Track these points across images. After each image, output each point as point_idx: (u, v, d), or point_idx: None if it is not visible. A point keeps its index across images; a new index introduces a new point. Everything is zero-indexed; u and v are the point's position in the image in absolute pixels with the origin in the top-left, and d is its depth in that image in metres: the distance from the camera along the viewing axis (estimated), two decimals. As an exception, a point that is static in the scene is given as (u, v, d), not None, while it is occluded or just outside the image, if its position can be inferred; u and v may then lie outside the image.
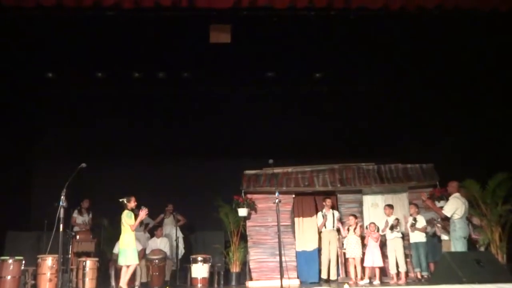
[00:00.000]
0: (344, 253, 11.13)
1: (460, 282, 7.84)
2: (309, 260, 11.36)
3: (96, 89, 13.59)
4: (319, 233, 11.39)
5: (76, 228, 11.72)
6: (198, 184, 13.51)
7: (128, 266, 9.32)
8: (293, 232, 11.52)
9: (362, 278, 10.62)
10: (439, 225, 10.46)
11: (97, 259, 10.56)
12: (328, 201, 11.31)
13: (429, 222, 10.65)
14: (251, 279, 11.22)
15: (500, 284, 7.65)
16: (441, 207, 9.91)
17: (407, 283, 10.36)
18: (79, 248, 11.12)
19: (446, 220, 9.81)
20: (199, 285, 10.88)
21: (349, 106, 14.24)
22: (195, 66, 12.67)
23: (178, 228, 12.11)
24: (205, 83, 13.45)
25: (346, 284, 10.30)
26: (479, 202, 10.26)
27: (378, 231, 10.76)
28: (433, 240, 10.64)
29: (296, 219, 11.71)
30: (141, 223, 12.41)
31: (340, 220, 11.28)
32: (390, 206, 10.95)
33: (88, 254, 11.02)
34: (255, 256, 11.32)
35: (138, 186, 13.17)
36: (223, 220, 11.87)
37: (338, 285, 10.62)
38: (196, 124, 14.17)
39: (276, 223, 9.27)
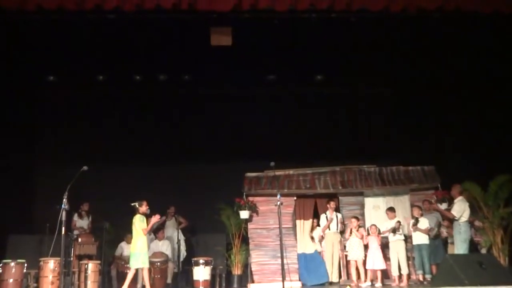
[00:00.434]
0: (346, 255, 11.12)
1: (462, 284, 7.84)
2: (310, 263, 11.35)
3: (98, 92, 13.61)
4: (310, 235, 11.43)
5: (76, 232, 11.71)
6: (200, 186, 13.51)
7: (142, 269, 9.42)
8: (295, 234, 11.51)
9: (364, 281, 10.61)
10: (443, 229, 10.46)
11: (99, 261, 10.55)
12: (333, 204, 11.31)
13: (436, 224, 10.64)
14: (252, 281, 11.21)
15: (502, 286, 7.65)
16: (445, 210, 9.93)
17: (409, 286, 10.37)
18: (81, 251, 11.10)
19: (449, 222, 9.82)
20: (201, 287, 10.87)
21: (350, 108, 14.25)
22: (196, 69, 12.69)
23: (179, 230, 12.10)
24: (206, 85, 13.45)
25: (348, 286, 10.30)
26: (481, 205, 10.25)
27: (379, 233, 10.75)
28: (436, 242, 10.62)
29: (297, 222, 11.70)
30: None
31: (343, 223, 11.29)
32: (392, 210, 10.92)
33: (90, 257, 11.00)
34: (256, 258, 11.31)
35: (140, 189, 13.21)
36: (225, 223, 11.87)
37: (340, 287, 10.62)
38: (197, 127, 14.17)
39: (277, 226, 9.26)
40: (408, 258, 10.72)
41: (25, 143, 13.77)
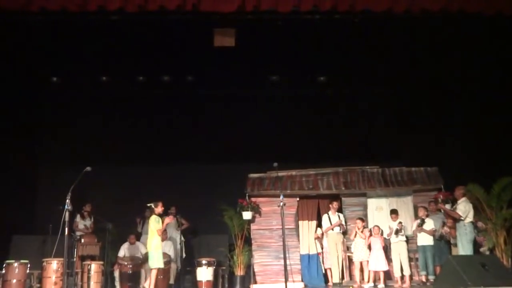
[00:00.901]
0: (349, 256, 11.12)
1: (465, 285, 7.82)
2: (312, 263, 11.35)
3: (101, 93, 13.63)
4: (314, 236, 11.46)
5: (78, 233, 11.72)
6: (203, 187, 13.53)
7: (157, 269, 9.53)
8: (298, 235, 11.51)
9: (367, 282, 10.60)
10: (446, 229, 10.45)
11: (102, 262, 10.57)
12: (335, 204, 11.31)
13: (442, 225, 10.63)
14: (255, 282, 11.21)
15: (505, 287, 7.63)
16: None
17: (411, 287, 10.35)
18: (84, 252, 11.12)
19: (453, 223, 9.82)
20: (204, 288, 10.90)
21: (354, 109, 14.24)
22: (199, 70, 12.70)
23: (181, 231, 12.09)
24: (209, 86, 13.46)
25: (351, 287, 10.30)
26: (484, 206, 10.23)
27: (382, 234, 10.74)
28: (440, 243, 10.61)
29: (300, 222, 11.70)
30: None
31: (345, 223, 11.30)
32: (395, 212, 10.91)
33: (93, 258, 11.03)
34: (259, 259, 11.31)
35: (142, 190, 13.28)
36: (228, 224, 11.87)
37: (343, 288, 10.65)
38: (200, 127, 14.19)
39: (280, 226, 9.25)
40: (410, 259, 10.72)
41: (28, 143, 13.81)
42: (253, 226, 11.49)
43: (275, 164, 9.30)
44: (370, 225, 11.07)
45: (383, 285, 10.39)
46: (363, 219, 11.06)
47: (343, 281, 11.08)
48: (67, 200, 7.80)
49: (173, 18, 10.12)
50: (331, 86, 13.65)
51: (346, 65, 12.40)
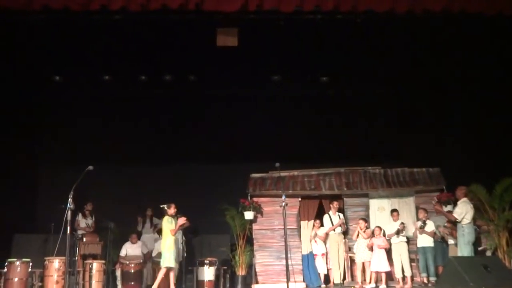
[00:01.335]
0: (350, 257, 11.11)
1: (467, 286, 7.80)
2: (310, 263, 11.35)
3: (103, 92, 13.63)
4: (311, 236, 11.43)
5: (80, 231, 11.73)
6: (204, 187, 13.53)
7: (168, 269, 9.64)
8: (299, 235, 11.51)
9: (369, 282, 10.58)
10: (441, 229, 10.44)
11: (103, 261, 10.59)
12: (336, 204, 11.32)
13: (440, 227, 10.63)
14: (257, 282, 11.22)
15: (507, 289, 7.62)
16: (448, 211, 9.91)
17: (413, 288, 10.36)
18: (85, 251, 11.14)
19: (453, 224, 9.79)
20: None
21: (355, 110, 14.22)
22: (202, 69, 12.69)
23: (182, 231, 12.09)
24: (211, 86, 13.46)
25: (352, 287, 10.30)
26: (486, 207, 10.22)
27: (384, 235, 10.73)
28: (442, 244, 10.60)
29: (302, 223, 11.70)
30: (151, 224, 12.53)
31: (346, 223, 11.30)
32: (396, 211, 10.91)
33: (94, 257, 11.04)
34: (261, 259, 11.32)
35: (143, 189, 13.31)
36: (229, 223, 11.88)
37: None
38: (202, 127, 14.18)
39: (282, 227, 9.28)
40: (411, 260, 10.71)
41: (30, 142, 13.82)
42: (255, 226, 11.50)
43: (277, 164, 9.31)
44: (372, 226, 11.06)
45: (384, 286, 10.38)
46: (366, 219, 11.05)
47: (345, 281, 11.08)
48: (69, 199, 7.80)
49: (175, 18, 10.09)
50: (333, 86, 13.63)
51: (348, 65, 12.38)
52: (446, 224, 10.43)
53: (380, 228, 10.75)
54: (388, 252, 10.70)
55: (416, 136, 13.58)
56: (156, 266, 11.09)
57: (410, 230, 10.90)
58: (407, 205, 11.44)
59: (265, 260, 11.29)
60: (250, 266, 11.65)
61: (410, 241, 10.83)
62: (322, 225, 11.36)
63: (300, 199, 11.62)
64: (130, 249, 11.47)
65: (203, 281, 10.98)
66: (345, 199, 11.62)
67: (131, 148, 13.90)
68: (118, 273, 11.22)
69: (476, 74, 11.91)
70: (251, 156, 13.46)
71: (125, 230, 12.06)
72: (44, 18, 9.88)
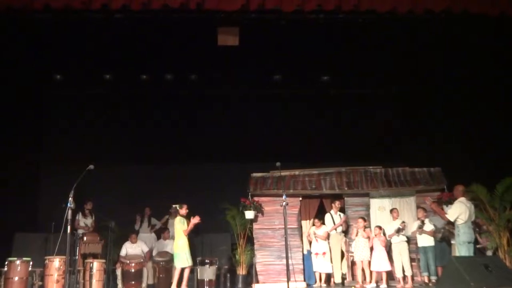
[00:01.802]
0: (351, 256, 11.10)
1: (468, 286, 7.79)
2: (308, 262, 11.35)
3: (104, 91, 13.64)
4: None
5: (80, 231, 11.73)
6: (205, 186, 13.53)
7: (183, 269, 9.77)
8: (300, 235, 11.51)
9: (369, 282, 10.58)
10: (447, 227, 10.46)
11: (104, 260, 10.57)
12: (338, 203, 11.32)
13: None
14: (257, 281, 11.20)
15: (508, 289, 7.61)
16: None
17: (413, 287, 10.34)
18: (86, 250, 11.11)
19: (452, 224, 9.78)
20: (206, 287, 10.88)
21: (356, 109, 14.23)
22: (203, 69, 12.69)
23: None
24: (212, 85, 13.46)
25: (353, 287, 10.29)
26: (487, 207, 10.21)
27: (384, 234, 10.73)
28: (442, 244, 10.59)
29: (303, 222, 11.70)
30: (149, 223, 12.52)
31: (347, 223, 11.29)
32: (396, 210, 10.91)
33: (95, 256, 11.02)
34: (261, 258, 11.30)
35: (144, 188, 13.31)
36: (230, 223, 11.88)
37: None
38: (203, 126, 14.20)
39: (283, 226, 9.26)
40: (412, 260, 10.70)
41: (31, 142, 13.81)
42: (255, 226, 11.49)
43: (278, 164, 9.30)
44: (373, 225, 11.05)
45: (385, 286, 10.36)
46: (365, 218, 11.04)
47: (346, 281, 11.07)
48: (70, 198, 7.80)
49: (176, 17, 10.10)
50: (334, 86, 13.64)
51: (349, 65, 12.39)
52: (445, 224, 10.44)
53: (380, 227, 10.74)
54: (389, 251, 10.70)
55: (417, 135, 13.58)
56: (156, 265, 11.10)
57: (411, 230, 10.89)
58: (408, 205, 11.44)
59: (266, 259, 11.28)
60: (251, 266, 11.63)
61: (410, 240, 10.81)
62: (323, 223, 11.34)
63: (301, 198, 11.61)
64: (130, 249, 11.46)
65: (204, 280, 10.96)
66: (346, 198, 11.61)
67: (132, 147, 13.91)
68: (118, 272, 11.21)
69: (477, 74, 11.89)
70: (252, 155, 13.47)
71: (126, 229, 12.06)
72: (46, 17, 9.88)
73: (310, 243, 11.34)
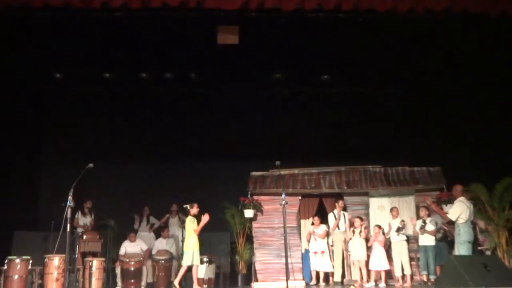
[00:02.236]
0: (349, 255, 11.11)
1: (467, 285, 7.80)
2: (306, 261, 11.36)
3: (103, 90, 13.64)
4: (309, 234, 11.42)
5: (79, 229, 11.73)
6: (205, 185, 13.51)
7: (191, 267, 9.89)
8: (299, 234, 11.51)
9: (368, 281, 10.59)
10: (443, 226, 10.46)
11: (103, 259, 10.58)
12: (341, 203, 11.33)
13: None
14: (256, 280, 11.20)
15: (507, 288, 7.62)
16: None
17: (412, 286, 10.35)
18: (85, 248, 11.13)
19: (452, 224, 9.79)
20: (205, 286, 10.89)
21: (356, 108, 14.23)
22: (202, 67, 12.69)
23: (183, 229, 12.09)
24: (212, 84, 13.46)
25: (352, 286, 10.29)
26: (486, 206, 10.22)
27: (383, 233, 10.73)
28: (440, 244, 10.61)
29: (302, 221, 11.71)
30: (147, 222, 12.52)
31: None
32: (395, 209, 10.92)
33: (94, 254, 11.04)
34: (261, 257, 11.31)
35: (144, 187, 13.31)
36: (229, 222, 11.90)
37: (344, 287, 10.61)
38: (202, 125, 14.18)
39: (282, 225, 9.26)
40: (411, 259, 10.71)
41: (31, 140, 13.80)
42: (254, 224, 11.49)
43: (278, 163, 9.31)
44: (372, 224, 11.06)
45: (384, 285, 10.38)
46: (362, 218, 11.04)
47: (345, 279, 11.08)
48: (69, 197, 7.81)
49: (176, 15, 10.11)
50: (334, 85, 13.64)
51: (349, 64, 12.39)
52: (445, 224, 10.45)
53: (379, 226, 10.75)
54: (388, 250, 10.71)
55: (417, 135, 13.58)
56: (156, 264, 11.11)
57: (410, 229, 10.90)
58: (407, 204, 11.44)
59: (265, 258, 11.28)
60: (250, 264, 11.66)
61: (410, 239, 10.82)
62: (321, 222, 11.33)
63: (300, 197, 11.62)
64: (129, 248, 11.46)
65: (203, 279, 10.97)
66: (345, 197, 11.61)
67: (131, 146, 13.91)
68: (118, 270, 11.20)
69: (477, 73, 11.89)
70: (252, 154, 13.45)
71: (125, 227, 12.06)
72: (45, 15, 9.87)
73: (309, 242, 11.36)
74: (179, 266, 11.49)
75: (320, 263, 11.09)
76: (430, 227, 10.46)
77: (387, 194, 11.55)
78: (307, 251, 11.33)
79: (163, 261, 11.09)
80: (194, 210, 10.08)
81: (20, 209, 12.42)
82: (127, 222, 12.45)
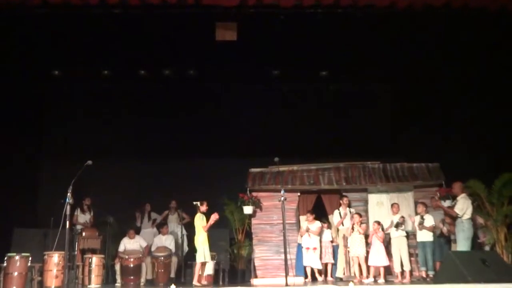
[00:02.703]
0: (348, 251, 11.12)
1: (465, 281, 7.82)
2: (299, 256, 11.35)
3: (102, 87, 13.63)
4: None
5: (78, 226, 11.73)
6: (204, 181, 13.49)
7: (203, 264, 9.98)
8: (298, 230, 11.51)
9: (367, 277, 10.60)
10: (445, 228, 10.47)
11: (103, 256, 10.62)
12: (346, 200, 11.33)
13: (441, 222, 10.63)
14: (256, 276, 11.22)
15: (506, 284, 7.63)
16: (448, 207, 9.91)
17: (411, 282, 10.36)
18: (85, 245, 11.15)
19: (452, 220, 9.81)
20: (204, 282, 10.90)
21: (355, 104, 14.22)
22: (201, 64, 12.68)
23: (182, 226, 12.12)
24: (210, 80, 13.45)
25: (351, 282, 10.30)
26: (485, 202, 10.23)
27: (382, 229, 10.74)
28: (440, 240, 10.62)
29: (301, 217, 11.72)
30: (149, 218, 12.55)
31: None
32: (396, 205, 10.93)
33: (94, 251, 11.06)
34: (260, 253, 11.32)
35: (143, 184, 13.31)
36: (228, 218, 11.91)
37: (343, 283, 10.62)
38: (201, 122, 14.16)
39: (281, 221, 9.29)
40: (410, 255, 10.72)
41: (30, 137, 13.79)
42: (254, 221, 11.51)
43: (276, 159, 9.33)
44: (371, 221, 11.07)
45: (383, 280, 10.39)
46: (361, 214, 11.05)
47: (344, 275, 11.09)
48: (68, 194, 7.81)
49: (174, 12, 10.09)
50: (333, 81, 13.63)
51: (348, 60, 12.37)
52: (446, 220, 10.45)
53: (378, 222, 10.75)
54: (387, 246, 10.72)
55: (416, 131, 13.57)
56: (155, 260, 11.12)
57: (409, 225, 10.90)
58: (406, 200, 11.45)
59: (264, 254, 11.29)
60: (249, 261, 11.68)
61: (409, 235, 10.83)
62: (315, 218, 11.28)
63: (299, 193, 11.62)
64: (128, 244, 11.47)
65: (202, 275, 10.96)
66: (344, 193, 11.62)
67: (130, 143, 13.90)
68: (117, 267, 11.23)
69: (476, 69, 11.89)
70: (250, 151, 13.45)
71: (125, 224, 12.07)
72: (44, 12, 9.86)
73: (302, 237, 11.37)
74: (179, 262, 11.57)
75: (310, 259, 11.03)
76: (428, 222, 10.47)
77: (386, 190, 11.56)
78: (299, 245, 11.30)
79: (162, 258, 11.10)
80: (203, 207, 10.13)
81: (20, 206, 12.42)
82: (126, 219, 12.46)
